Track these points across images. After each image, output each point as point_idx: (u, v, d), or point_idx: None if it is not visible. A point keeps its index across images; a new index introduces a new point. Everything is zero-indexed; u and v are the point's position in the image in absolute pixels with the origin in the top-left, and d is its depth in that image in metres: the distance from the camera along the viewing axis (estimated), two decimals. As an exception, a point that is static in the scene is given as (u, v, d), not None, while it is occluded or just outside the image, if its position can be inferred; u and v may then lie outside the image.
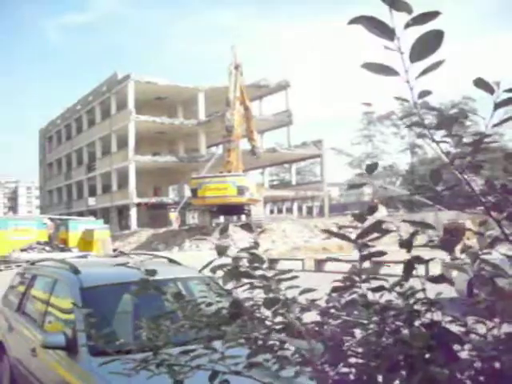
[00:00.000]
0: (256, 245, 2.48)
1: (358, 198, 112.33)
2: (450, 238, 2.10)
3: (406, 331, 1.85)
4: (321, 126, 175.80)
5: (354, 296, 2.03)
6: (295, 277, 2.24)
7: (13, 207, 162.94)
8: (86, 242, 38.77)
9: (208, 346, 2.19)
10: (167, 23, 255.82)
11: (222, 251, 2.41)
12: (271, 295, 2.19)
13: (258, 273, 2.29)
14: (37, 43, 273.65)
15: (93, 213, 66.08)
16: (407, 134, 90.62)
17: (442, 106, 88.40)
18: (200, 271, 2.48)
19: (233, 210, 48.07)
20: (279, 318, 2.16)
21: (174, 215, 56.12)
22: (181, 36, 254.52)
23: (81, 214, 66.97)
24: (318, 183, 74.30)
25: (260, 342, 2.10)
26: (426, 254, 1.92)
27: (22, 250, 35.49)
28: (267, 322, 2.19)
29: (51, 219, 47.37)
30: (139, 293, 2.67)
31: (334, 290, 2.02)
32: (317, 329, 2.06)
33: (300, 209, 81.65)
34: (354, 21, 1.54)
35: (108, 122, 68.02)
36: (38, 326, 6.13)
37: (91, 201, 72.32)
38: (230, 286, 2.35)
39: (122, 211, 66.85)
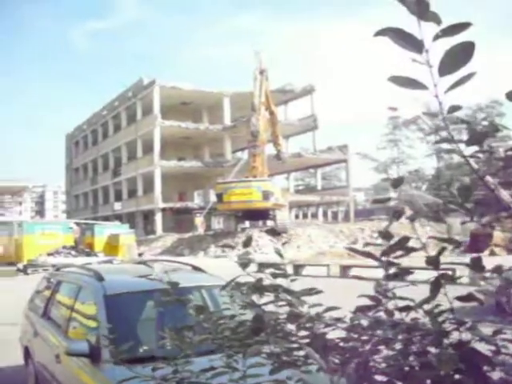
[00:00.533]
0: (279, 255, 2.44)
1: (384, 203, 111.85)
2: (477, 243, 2.04)
3: (433, 350, 1.79)
4: (346, 130, 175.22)
5: (380, 314, 1.97)
6: (319, 292, 2.20)
7: (40, 211, 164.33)
8: (112, 247, 39.00)
9: (229, 365, 2.15)
10: (189, 29, 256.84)
11: (244, 265, 2.37)
12: (295, 310, 2.15)
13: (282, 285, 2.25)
14: (62, 49, 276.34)
15: (118, 217, 66.49)
16: (433, 138, 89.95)
17: (468, 111, 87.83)
18: (223, 288, 2.44)
19: (258, 215, 48.06)
20: (303, 333, 2.11)
21: (199, 220, 56.23)
22: (203, 41, 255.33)
23: (106, 218, 67.32)
24: (344, 188, 73.99)
25: (284, 358, 2.06)
26: (450, 259, 1.87)
27: (49, 255, 35.79)
28: (291, 338, 2.14)
29: (77, 224, 47.76)
30: (162, 304, 2.63)
31: (359, 309, 1.96)
32: (341, 344, 2.02)
33: (325, 214, 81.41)
34: (380, 33, 1.49)
35: (134, 127, 68.42)
36: (62, 333, 6.14)
37: (117, 205, 72.74)
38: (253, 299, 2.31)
39: (148, 216, 67.13)
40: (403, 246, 1.89)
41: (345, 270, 25.95)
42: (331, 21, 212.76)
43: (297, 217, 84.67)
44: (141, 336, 5.37)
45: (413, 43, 1.46)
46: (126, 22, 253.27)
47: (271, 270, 2.30)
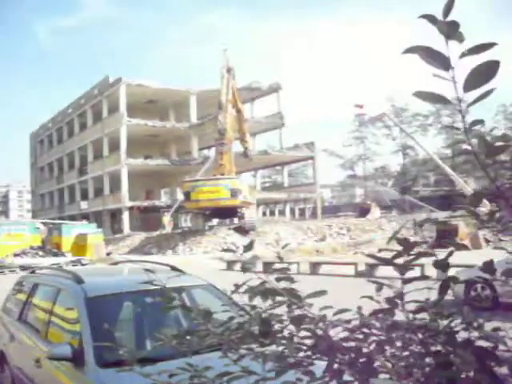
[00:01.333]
0: (250, 247, 2.43)
1: (350, 199, 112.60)
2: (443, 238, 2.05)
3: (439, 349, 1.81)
4: (313, 128, 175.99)
5: (392, 318, 1.97)
6: (323, 292, 2.20)
7: (4, 211, 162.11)
8: (80, 247, 38.66)
9: (246, 369, 2.14)
10: (158, 26, 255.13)
11: (247, 268, 2.36)
12: (299, 312, 2.15)
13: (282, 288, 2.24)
14: (27, 46, 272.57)
15: (85, 216, 65.95)
16: (399, 135, 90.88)
17: (432, 108, 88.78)
18: (233, 293, 2.43)
19: (226, 212, 47.96)
20: (306, 335, 2.12)
21: (166, 219, 55.96)
22: (172, 39, 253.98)
23: (73, 217, 66.69)
24: (311, 185, 74.28)
25: (291, 360, 2.06)
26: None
27: (16, 255, 35.37)
28: (295, 339, 2.14)
29: (44, 224, 47.26)
30: (167, 310, 2.61)
31: (375, 313, 1.96)
32: (345, 344, 2.03)
33: (292, 211, 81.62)
34: (409, 50, 1.53)
35: (100, 125, 67.85)
36: (42, 336, 6.06)
37: (83, 204, 72.06)
38: (255, 302, 2.31)
39: (115, 215, 66.67)
40: (410, 249, 1.89)
41: (314, 267, 26.06)
42: (300, 19, 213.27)
43: (264, 214, 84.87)
44: (124, 338, 5.34)
45: (440, 61, 1.50)
46: (94, 19, 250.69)
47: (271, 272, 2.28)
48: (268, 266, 15.75)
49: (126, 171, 62.09)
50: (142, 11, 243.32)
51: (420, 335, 1.84)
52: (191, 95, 66.55)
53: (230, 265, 29.06)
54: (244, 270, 2.37)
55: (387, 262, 1.93)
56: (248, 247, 2.44)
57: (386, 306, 1.96)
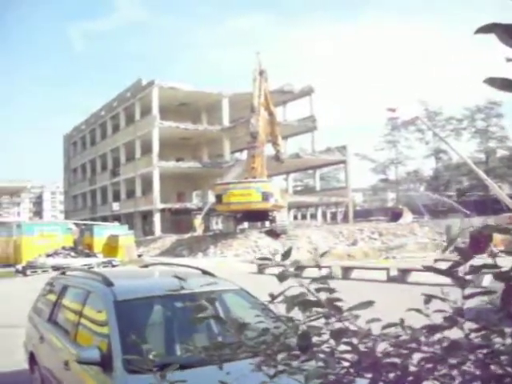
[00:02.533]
0: (289, 254, 2.28)
1: (382, 203, 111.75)
2: (477, 245, 1.85)
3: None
4: (345, 131, 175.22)
5: (452, 337, 1.79)
6: (370, 303, 2.03)
7: (38, 212, 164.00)
8: (111, 248, 38.79)
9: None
10: (189, 31, 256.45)
11: (283, 278, 2.19)
12: (339, 325, 2.00)
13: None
14: (61, 49, 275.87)
15: (117, 218, 66.42)
16: (432, 139, 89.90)
17: (466, 112, 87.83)
18: (271, 302, 2.27)
19: (257, 216, 47.85)
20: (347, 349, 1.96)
21: (197, 221, 56.01)
22: (202, 43, 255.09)
23: (105, 219, 67.21)
24: (342, 189, 73.94)
25: (331, 377, 1.91)
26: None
27: (48, 256, 35.60)
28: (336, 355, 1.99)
29: (76, 224, 47.59)
30: (198, 322, 2.47)
31: (431, 329, 1.79)
32: (390, 361, 1.86)
33: (324, 215, 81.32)
34: (483, 29, 1.32)
35: (132, 127, 68.27)
36: (71, 339, 5.98)
37: (115, 206, 72.57)
38: (292, 313, 2.15)
39: (146, 217, 66.95)
40: (469, 259, 1.70)
41: (346, 272, 25.80)
42: (330, 24, 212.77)
43: (295, 218, 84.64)
44: (153, 343, 5.21)
45: None
46: (125, 23, 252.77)
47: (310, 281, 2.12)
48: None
49: (157, 173, 62.37)
50: (174, 15, 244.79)
51: (479, 355, 1.66)
52: (223, 98, 66.60)
53: (261, 268, 28.87)
54: (280, 279, 2.21)
55: (446, 273, 1.75)
56: (286, 254, 2.29)
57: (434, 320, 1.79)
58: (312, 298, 2.06)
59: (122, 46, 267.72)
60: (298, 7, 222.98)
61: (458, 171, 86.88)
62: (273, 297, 2.35)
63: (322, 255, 2.95)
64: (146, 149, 64.14)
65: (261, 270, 28.65)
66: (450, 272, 1.74)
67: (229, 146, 66.81)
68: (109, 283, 5.73)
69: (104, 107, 78.77)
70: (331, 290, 2.09)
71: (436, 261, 2.11)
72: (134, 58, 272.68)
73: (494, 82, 1.38)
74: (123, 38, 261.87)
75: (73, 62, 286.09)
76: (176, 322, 5.60)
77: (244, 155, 66.13)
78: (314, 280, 2.13)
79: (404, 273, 22.29)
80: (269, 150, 52.45)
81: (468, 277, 1.76)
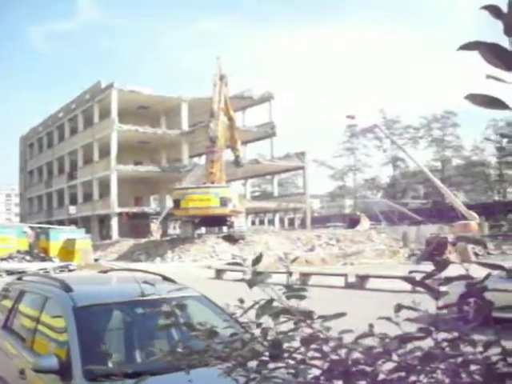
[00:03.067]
0: (259, 259, 2.27)
1: (340, 210, 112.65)
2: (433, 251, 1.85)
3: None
4: (304, 137, 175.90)
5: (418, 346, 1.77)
6: (342, 314, 2.01)
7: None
8: (68, 252, 38.26)
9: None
10: (153, 32, 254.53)
11: (252, 284, 2.17)
12: (309, 331, 1.98)
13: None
14: (21, 50, 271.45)
15: (73, 221, 65.57)
16: (389, 147, 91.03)
17: (423, 120, 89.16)
18: (245, 312, 2.25)
19: (215, 221, 47.82)
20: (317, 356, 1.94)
21: (155, 225, 55.75)
22: (166, 46, 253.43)
23: (61, 222, 66.33)
24: (300, 195, 74.35)
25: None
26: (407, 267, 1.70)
27: (2, 260, 34.96)
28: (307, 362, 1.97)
29: (32, 228, 46.82)
30: (166, 329, 2.43)
31: (403, 340, 1.77)
32: (363, 368, 1.85)
33: (282, 221, 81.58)
34: (467, 47, 1.31)
35: (90, 130, 67.57)
36: (28, 347, 5.83)
37: (72, 209, 71.65)
38: (262, 320, 2.13)
39: (104, 220, 66.32)
40: (444, 269, 1.69)
41: (304, 278, 25.86)
42: (292, 27, 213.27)
43: (253, 223, 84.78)
44: (115, 350, 5.13)
45: (506, 60, 1.28)
46: (87, 24, 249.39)
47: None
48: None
49: (115, 177, 61.88)
50: (138, 17, 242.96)
51: (451, 364, 1.65)
52: (183, 102, 66.38)
53: (219, 273, 28.86)
54: (250, 284, 2.18)
55: (421, 284, 1.73)
56: (257, 260, 2.27)
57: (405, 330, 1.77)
58: (280, 305, 2.04)
59: (82, 48, 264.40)
60: (262, 10, 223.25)
61: (415, 179, 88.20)
62: (242, 301, 2.34)
63: (293, 261, 2.94)
64: (104, 152, 63.61)
65: (218, 276, 28.66)
66: (424, 283, 1.73)
67: (187, 150, 66.66)
68: (67, 289, 5.62)
69: (62, 109, 77.77)
70: (301, 297, 2.08)
71: (411, 272, 2.10)
72: (96, 60, 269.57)
73: (474, 98, 1.38)
74: (85, 40, 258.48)
75: (33, 62, 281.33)
76: (137, 329, 5.52)
77: (203, 160, 66.14)
78: (287, 288, 2.11)
79: (362, 279, 22.45)
80: (228, 155, 52.46)
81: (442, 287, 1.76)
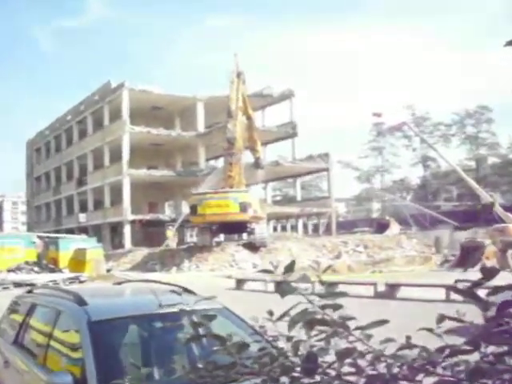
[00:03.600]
0: (291, 267, 2.26)
1: (367, 214, 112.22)
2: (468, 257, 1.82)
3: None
4: (327, 137, 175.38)
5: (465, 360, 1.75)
6: (383, 322, 1.99)
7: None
8: (78, 262, 38.42)
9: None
10: (166, 31, 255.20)
11: (284, 292, 2.16)
12: (346, 344, 1.97)
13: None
14: (28, 49, 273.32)
15: (84, 230, 65.82)
16: (419, 146, 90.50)
17: (455, 117, 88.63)
18: (278, 320, 2.25)
19: (235, 228, 47.80)
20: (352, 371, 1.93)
21: (171, 233, 55.85)
22: (179, 45, 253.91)
23: (71, 231, 66.61)
24: (325, 199, 74.20)
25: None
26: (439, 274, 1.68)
27: (9, 271, 35.19)
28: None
29: (40, 237, 47.09)
30: (192, 341, 2.43)
31: (451, 353, 1.75)
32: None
33: (305, 226, 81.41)
34: None
35: (100, 133, 67.96)
36: (40, 363, 5.86)
37: (82, 217, 72.00)
38: (295, 332, 2.12)
39: (116, 228, 66.55)
40: (492, 277, 1.67)
41: (330, 287, 25.81)
42: (314, 26, 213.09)
43: (275, 230, 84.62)
44: (131, 367, 5.14)
45: None
46: (96, 22, 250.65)
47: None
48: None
49: (128, 182, 62.10)
50: (147, 15, 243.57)
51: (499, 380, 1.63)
52: (198, 102, 66.52)
53: (240, 284, 28.79)
54: (282, 293, 2.18)
55: (467, 294, 1.71)
56: (289, 267, 2.28)
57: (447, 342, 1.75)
58: (317, 316, 2.03)
59: (92, 46, 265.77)
60: (280, 8, 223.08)
61: (447, 180, 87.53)
62: (271, 314, 2.33)
63: (326, 270, 2.92)
64: (116, 156, 63.81)
65: (239, 286, 28.59)
66: (471, 292, 1.71)
67: (204, 153, 66.77)
68: (82, 302, 5.63)
69: (70, 111, 78.26)
70: (338, 306, 2.07)
71: (457, 281, 2.07)
72: (104, 60, 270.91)
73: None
74: (94, 38, 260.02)
75: (39, 61, 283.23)
76: (156, 344, 5.53)
77: (220, 163, 66.21)
78: (322, 296, 2.11)
79: (392, 288, 22.32)
80: (247, 157, 52.45)
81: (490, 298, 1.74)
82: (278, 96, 71.84)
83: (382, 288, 22.94)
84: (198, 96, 66.77)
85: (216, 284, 29.70)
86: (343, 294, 2.14)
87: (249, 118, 51.11)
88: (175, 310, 4.81)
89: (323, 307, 2.05)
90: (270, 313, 2.41)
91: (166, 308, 4.84)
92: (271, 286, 25.34)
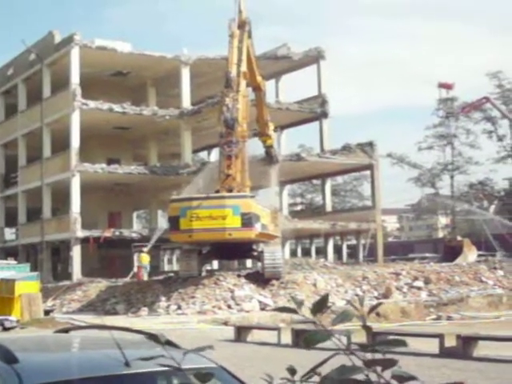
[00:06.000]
0: (324, 303, 2.26)
1: (430, 233, 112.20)
2: None
3: None
4: (371, 120, 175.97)
5: None
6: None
7: None
8: (3, 300, 38.54)
9: None
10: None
11: (314, 340, 2.15)
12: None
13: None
14: None
15: (11, 252, 65.88)
16: (509, 132, 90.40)
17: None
18: (304, 380, 2.23)
19: (235, 250, 47.63)
20: None
21: (142, 258, 55.98)
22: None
23: (-8, 253, 66.84)
24: (367, 210, 74.22)
25: None
26: None
27: None
28: None
29: None
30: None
31: None
32: None
33: (338, 249, 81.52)
34: None
35: (37, 109, 68.03)
36: None
37: (9, 233, 72.18)
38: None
39: (59, 251, 66.73)
40: None
41: (374, 339, 25.82)
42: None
43: (294, 254, 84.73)
44: None
45: None
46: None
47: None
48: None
49: (77, 182, 62.13)
50: None
51: None
52: (183, 66, 66.46)
53: (241, 333, 28.82)
54: (307, 343, 2.16)
55: None
56: (320, 305, 2.26)
57: None
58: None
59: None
60: None
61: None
62: (293, 372, 2.33)
63: (369, 313, 2.88)
64: (60, 144, 63.85)
65: (240, 337, 28.62)
66: None
67: (190, 140, 66.76)
68: (10, 358, 5.62)
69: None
70: (391, 363, 2.06)
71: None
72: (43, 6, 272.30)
73: None
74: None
75: None
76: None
77: (214, 156, 66.25)
78: (366, 348, 2.10)
79: (467, 342, 22.28)
80: (253, 147, 52.40)
81: None
82: (301, 58, 71.72)
83: (451, 342, 22.92)
84: (183, 57, 66.74)
85: (207, 334, 29.81)
86: (400, 343, 2.12)
87: (257, 88, 51.00)
88: (150, 369, 4.81)
89: (369, 363, 2.04)
90: (292, 370, 2.39)
91: (137, 367, 4.81)
92: (287, 337, 25.36)
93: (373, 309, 2.71)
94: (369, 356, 2.12)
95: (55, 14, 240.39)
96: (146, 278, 53.70)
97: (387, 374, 2.10)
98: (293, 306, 2.40)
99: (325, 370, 2.18)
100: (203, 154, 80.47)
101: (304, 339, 2.14)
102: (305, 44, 72.55)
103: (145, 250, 56.53)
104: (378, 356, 2.11)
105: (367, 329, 2.29)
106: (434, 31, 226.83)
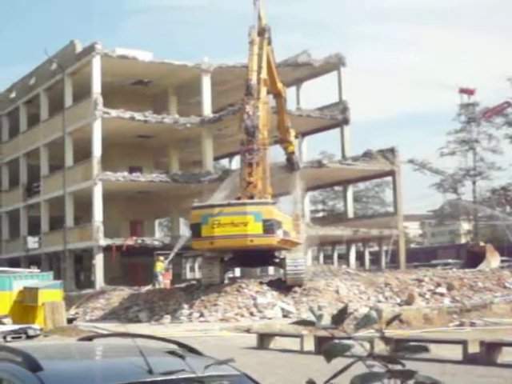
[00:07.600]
0: (344, 313, 2.25)
1: (452, 238, 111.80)
2: None
3: None
4: (391, 126, 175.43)
5: None
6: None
7: None
8: (26, 308, 38.59)
9: None
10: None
11: (333, 352, 2.14)
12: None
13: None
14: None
15: (34, 261, 65.93)
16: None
17: None
18: None
19: (257, 257, 47.54)
20: None
21: (162, 265, 55.93)
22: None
23: (15, 261, 66.87)
24: (389, 216, 73.97)
25: None
26: None
27: None
28: None
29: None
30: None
31: None
32: None
33: (360, 256, 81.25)
34: None
35: (59, 118, 68.08)
36: None
37: (32, 242, 72.20)
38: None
39: (82, 259, 66.77)
40: None
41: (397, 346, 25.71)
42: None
43: (316, 260, 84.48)
44: None
45: None
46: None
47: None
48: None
49: (100, 190, 62.17)
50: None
51: None
52: (203, 74, 66.47)
53: (264, 340, 28.75)
54: (328, 355, 2.16)
55: None
56: (339, 316, 2.26)
57: None
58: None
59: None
60: None
61: None
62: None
63: (391, 321, 2.88)
64: (82, 152, 64.00)
65: (263, 344, 28.55)
66: None
67: (211, 148, 66.72)
68: (35, 366, 5.63)
69: (15, 86, 78.58)
70: (411, 374, 2.05)
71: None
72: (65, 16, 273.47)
73: None
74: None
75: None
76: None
77: (236, 163, 66.20)
78: (387, 359, 2.10)
79: (491, 349, 22.14)
80: (274, 154, 52.34)
81: None
82: (321, 65, 71.62)
83: (475, 349, 22.78)
84: (203, 65, 66.76)
85: (229, 341, 29.74)
86: (422, 349, 2.12)
87: (278, 95, 50.96)
88: (174, 377, 4.81)
89: (391, 374, 2.04)
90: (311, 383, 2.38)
91: (160, 375, 4.81)
92: (310, 344, 25.29)
93: (392, 320, 2.71)
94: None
95: (72, 23, 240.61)
96: (157, 286, 53.61)
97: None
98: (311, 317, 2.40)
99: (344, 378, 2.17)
100: (224, 162, 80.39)
101: (324, 351, 2.13)
102: (324, 51, 72.03)
103: (161, 258, 56.48)
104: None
105: (386, 340, 2.28)
106: (449, 37, 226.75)
